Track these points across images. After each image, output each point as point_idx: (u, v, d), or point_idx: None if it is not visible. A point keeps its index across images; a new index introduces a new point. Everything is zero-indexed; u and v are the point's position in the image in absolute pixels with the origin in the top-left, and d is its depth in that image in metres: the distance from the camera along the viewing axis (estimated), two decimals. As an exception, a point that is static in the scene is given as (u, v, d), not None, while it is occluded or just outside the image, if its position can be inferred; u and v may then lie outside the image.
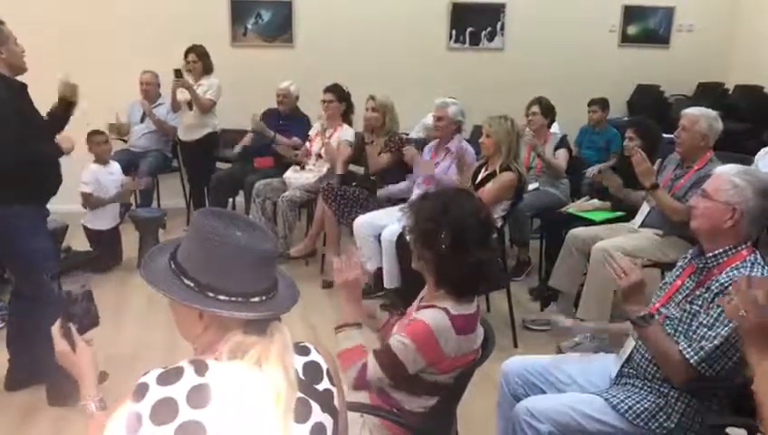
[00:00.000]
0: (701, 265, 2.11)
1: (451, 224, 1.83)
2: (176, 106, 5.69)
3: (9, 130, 2.81)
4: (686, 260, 2.23)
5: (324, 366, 1.33)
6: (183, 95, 5.63)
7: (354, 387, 1.90)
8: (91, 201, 4.73)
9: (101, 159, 4.81)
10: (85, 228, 4.86)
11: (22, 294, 3.13)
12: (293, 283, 1.37)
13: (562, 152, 4.95)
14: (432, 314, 1.86)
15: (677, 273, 2.23)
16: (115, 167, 4.96)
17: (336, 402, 1.31)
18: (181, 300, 1.22)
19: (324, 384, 1.30)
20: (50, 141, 3.12)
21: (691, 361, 1.94)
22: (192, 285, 1.23)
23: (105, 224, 4.84)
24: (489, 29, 6.94)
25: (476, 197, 2.14)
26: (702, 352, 1.93)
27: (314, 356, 1.34)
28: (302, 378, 1.27)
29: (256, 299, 1.23)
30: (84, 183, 4.65)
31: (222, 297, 1.21)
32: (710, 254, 2.08)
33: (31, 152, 2.89)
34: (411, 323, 1.88)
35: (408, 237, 1.99)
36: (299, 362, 1.30)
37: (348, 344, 1.95)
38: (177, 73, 5.44)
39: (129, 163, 5.69)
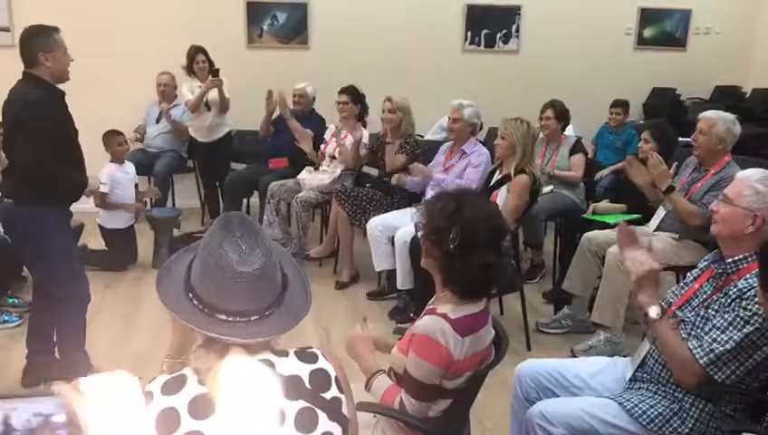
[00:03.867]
0: (720, 271, 2.10)
1: (462, 223, 1.84)
2: (196, 106, 5.68)
3: (49, 135, 2.86)
4: (706, 264, 2.21)
5: (332, 374, 1.31)
6: (207, 95, 5.65)
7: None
8: (105, 202, 4.77)
9: (118, 159, 4.85)
10: (101, 227, 4.90)
11: (44, 294, 3.18)
12: (295, 314, 1.30)
13: (578, 157, 4.89)
14: (428, 321, 1.86)
15: (696, 276, 2.22)
16: (130, 167, 4.99)
17: (345, 410, 1.30)
18: (160, 290, 1.26)
19: (332, 392, 1.29)
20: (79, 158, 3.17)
21: (701, 361, 1.93)
22: (185, 277, 1.26)
23: (120, 223, 4.88)
24: (504, 31, 6.92)
25: (491, 202, 2.14)
26: (712, 354, 1.92)
27: (322, 363, 1.32)
28: (309, 387, 1.26)
29: (222, 316, 1.21)
30: (102, 183, 4.69)
31: (195, 302, 1.23)
32: (730, 260, 2.07)
33: (65, 158, 2.94)
34: (413, 339, 1.88)
35: (419, 234, 2.01)
36: (305, 369, 1.29)
37: (382, 391, 1.95)
38: (215, 73, 5.48)
39: (145, 163, 5.74)
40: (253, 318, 1.22)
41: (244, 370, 1.17)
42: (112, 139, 4.84)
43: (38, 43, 2.88)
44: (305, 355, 1.32)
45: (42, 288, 3.22)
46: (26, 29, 2.94)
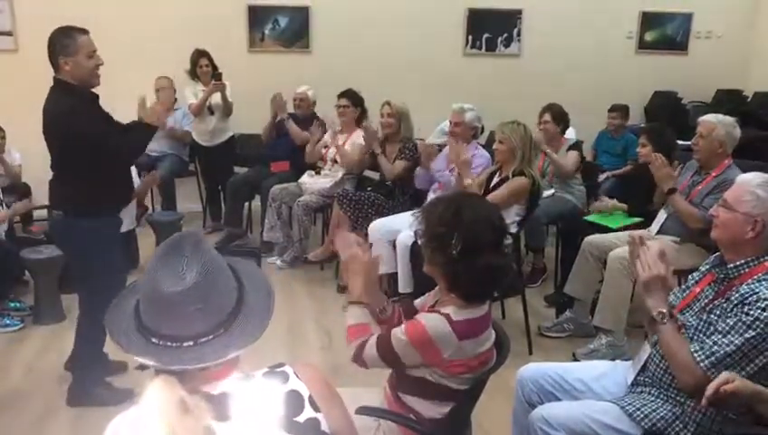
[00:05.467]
0: (722, 276, 2.09)
1: (463, 228, 1.83)
2: (199, 110, 5.71)
3: (90, 146, 2.79)
4: (707, 267, 2.21)
5: (306, 393, 1.24)
6: (211, 99, 5.67)
7: (353, 360, 1.98)
8: None
9: None
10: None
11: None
12: (236, 344, 1.18)
13: (572, 154, 4.87)
14: (432, 318, 1.86)
15: (697, 279, 2.22)
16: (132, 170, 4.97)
17: (325, 427, 1.25)
18: (111, 307, 1.24)
19: (307, 414, 1.23)
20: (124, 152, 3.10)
21: (701, 364, 1.92)
22: (136, 300, 1.21)
23: (122, 227, 4.85)
24: (506, 35, 6.93)
25: (489, 201, 2.14)
26: (713, 357, 1.91)
27: (293, 384, 1.24)
28: (280, 414, 1.20)
29: (154, 340, 1.15)
30: None
31: (135, 322, 1.19)
32: (731, 265, 2.06)
33: (106, 165, 2.88)
34: (412, 321, 1.89)
35: (419, 242, 2.00)
36: (275, 393, 1.23)
37: (353, 321, 2.02)
38: (218, 77, 5.50)
39: (147, 167, 5.74)
40: (185, 344, 1.14)
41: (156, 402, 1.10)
42: None
43: (58, 46, 2.79)
44: (275, 375, 1.25)
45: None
46: (51, 34, 2.82)
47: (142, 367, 1.16)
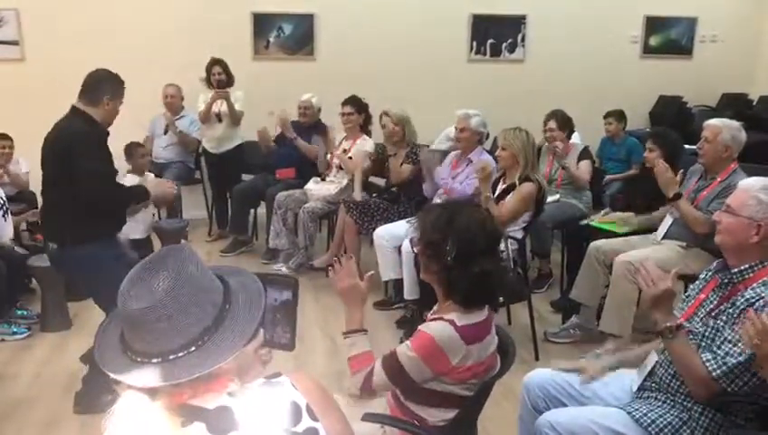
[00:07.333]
0: (726, 281, 2.09)
1: (456, 235, 1.84)
2: (205, 117, 5.74)
3: (99, 168, 2.88)
4: (710, 273, 2.20)
5: (303, 403, 1.22)
6: (219, 107, 5.70)
7: (361, 392, 1.95)
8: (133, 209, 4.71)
9: (139, 171, 4.80)
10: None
11: None
12: (210, 360, 1.13)
13: (585, 164, 4.89)
14: (437, 326, 1.87)
15: (701, 286, 2.21)
16: (150, 178, 4.95)
17: None
18: (105, 322, 1.24)
19: (305, 423, 1.20)
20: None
21: (713, 374, 1.92)
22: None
23: (139, 233, 4.83)
24: (510, 40, 6.93)
25: (483, 208, 2.16)
26: (725, 367, 1.91)
27: (291, 394, 1.22)
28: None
29: (129, 353, 1.14)
30: None
31: (119, 336, 1.18)
32: (735, 269, 2.06)
33: (113, 193, 3.00)
34: (417, 335, 1.89)
35: (414, 250, 2.01)
36: (271, 404, 1.21)
37: (355, 351, 2.00)
38: (220, 84, 5.53)
39: (153, 175, 5.76)
40: (154, 361, 1.12)
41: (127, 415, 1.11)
42: (136, 150, 4.80)
43: (109, 87, 3.01)
44: (271, 387, 1.23)
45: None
46: (102, 71, 3.06)
47: (117, 381, 1.14)
